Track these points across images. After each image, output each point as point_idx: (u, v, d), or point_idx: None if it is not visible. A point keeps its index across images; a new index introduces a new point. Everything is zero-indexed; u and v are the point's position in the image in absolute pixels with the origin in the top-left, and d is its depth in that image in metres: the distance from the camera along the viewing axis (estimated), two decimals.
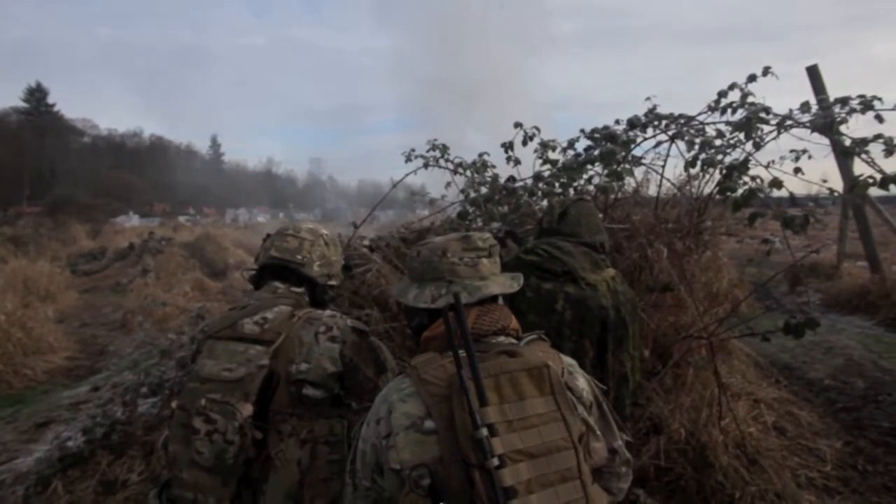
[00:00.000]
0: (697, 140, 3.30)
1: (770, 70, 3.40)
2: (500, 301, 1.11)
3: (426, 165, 3.67)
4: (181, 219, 39.05)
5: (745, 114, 2.79)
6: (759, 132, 2.73)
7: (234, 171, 57.94)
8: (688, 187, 3.81)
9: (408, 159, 3.88)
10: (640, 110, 3.53)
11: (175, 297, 8.25)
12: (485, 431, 0.81)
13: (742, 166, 2.58)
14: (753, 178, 2.61)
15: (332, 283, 1.53)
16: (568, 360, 1.05)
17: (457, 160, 3.61)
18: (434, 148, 3.55)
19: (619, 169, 3.17)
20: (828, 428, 3.40)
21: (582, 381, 1.02)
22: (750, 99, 3.04)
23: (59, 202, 25.08)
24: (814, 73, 6.81)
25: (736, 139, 2.81)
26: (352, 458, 1.00)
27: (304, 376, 1.27)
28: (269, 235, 1.54)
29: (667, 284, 2.79)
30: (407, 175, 3.64)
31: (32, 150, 34.65)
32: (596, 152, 3.42)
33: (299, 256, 1.44)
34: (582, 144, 3.95)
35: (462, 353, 0.87)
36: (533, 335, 1.07)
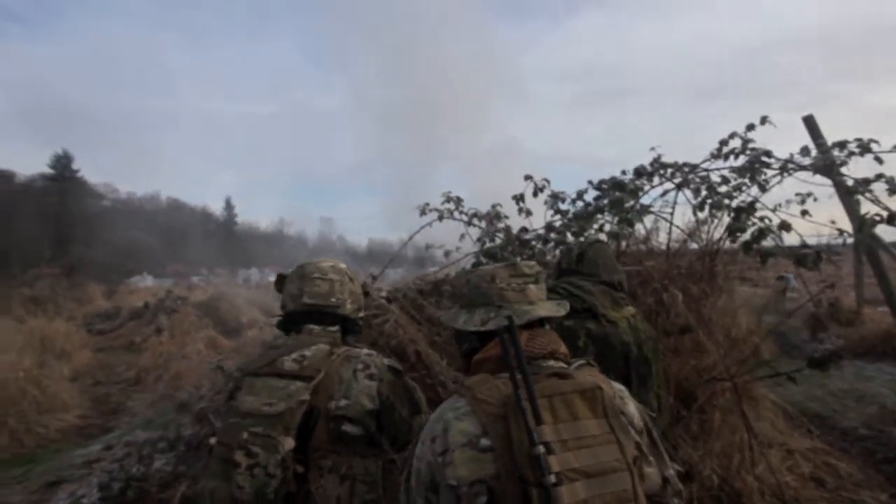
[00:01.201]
0: (703, 186, 3.43)
1: (767, 119, 3.56)
2: (548, 327, 1.15)
3: (441, 218, 3.79)
4: (194, 279, 39.48)
5: (747, 159, 2.89)
6: (762, 175, 2.82)
7: (247, 232, 59.03)
8: (698, 233, 3.88)
9: (422, 213, 4.02)
10: (640, 163, 3.67)
11: (189, 355, 8.26)
12: (542, 448, 0.82)
13: (749, 208, 2.65)
14: (762, 219, 2.68)
15: (361, 314, 1.58)
16: (618, 385, 1.07)
17: (471, 211, 3.73)
18: (448, 200, 3.67)
19: (628, 216, 3.26)
20: (869, 480, 3.25)
21: (632, 407, 1.03)
22: (751, 145, 3.16)
23: (76, 263, 25.61)
24: (810, 123, 7.01)
25: (741, 183, 2.91)
26: (406, 476, 1.02)
27: (344, 412, 1.29)
28: (282, 277, 1.57)
29: (685, 326, 2.79)
30: (422, 228, 3.74)
31: (55, 215, 35.78)
32: (605, 201, 3.54)
33: (333, 299, 1.49)
34: (590, 195, 4.10)
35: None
36: (582, 360, 1.11)
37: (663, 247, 3.70)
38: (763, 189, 2.81)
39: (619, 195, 3.35)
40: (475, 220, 3.71)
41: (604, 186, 3.99)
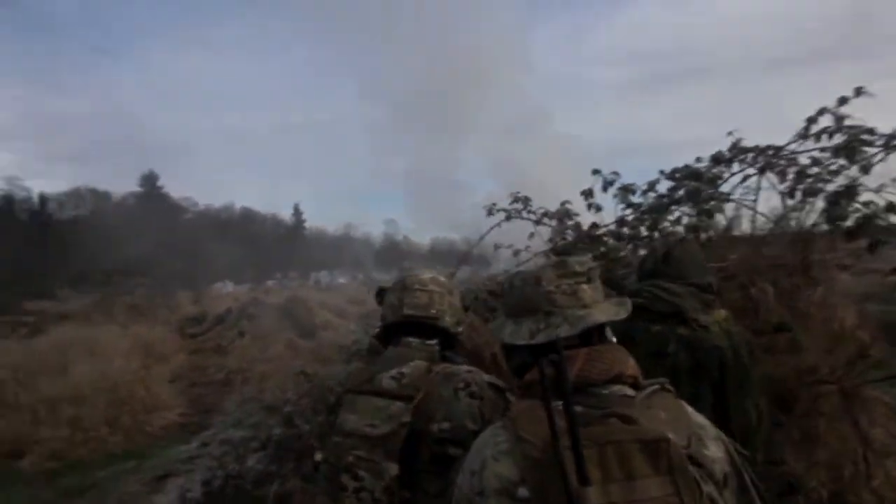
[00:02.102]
0: (791, 171, 3.17)
1: (863, 90, 3.21)
2: (613, 338, 1.02)
3: (508, 217, 3.76)
4: (269, 283, 41.77)
5: (844, 137, 2.63)
6: (862, 155, 2.56)
7: (315, 237, 61.52)
8: (787, 220, 3.60)
9: (489, 213, 4.00)
10: (714, 147, 3.46)
11: (270, 357, 8.74)
12: None
13: (850, 191, 2.42)
14: (866, 204, 2.45)
15: (460, 329, 1.55)
16: (698, 420, 0.91)
17: (540, 210, 3.66)
18: (517, 200, 3.63)
19: (708, 207, 3.09)
20: None
21: (713, 449, 0.86)
22: (847, 122, 2.87)
23: (167, 274, 27.92)
24: None
25: (837, 165, 2.66)
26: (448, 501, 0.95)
27: (447, 435, 1.25)
28: (383, 290, 1.59)
29: (780, 324, 2.60)
30: (491, 229, 3.72)
31: (146, 229, 39.08)
32: (681, 192, 3.36)
33: (433, 311, 1.46)
34: (664, 186, 3.91)
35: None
36: (655, 384, 0.95)
37: (748, 236, 3.46)
38: (865, 171, 2.54)
39: (695, 185, 3.18)
40: (545, 220, 3.63)
41: (678, 176, 3.79)
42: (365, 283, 38.47)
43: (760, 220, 3.44)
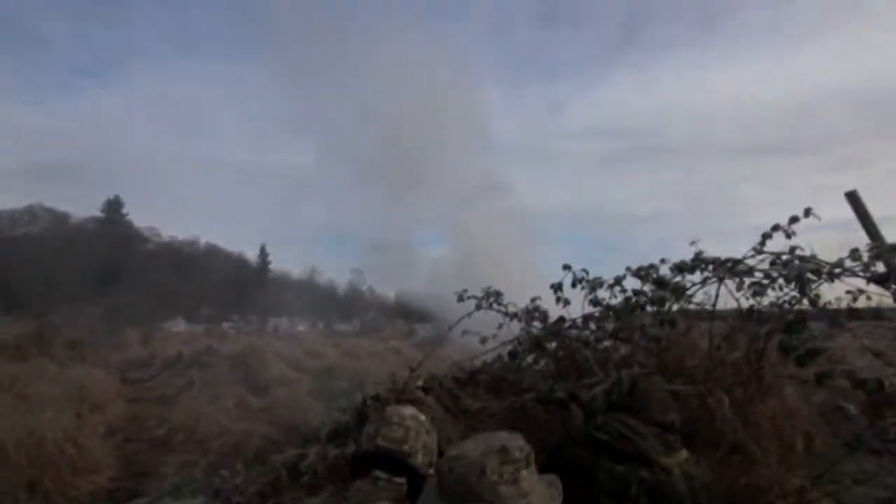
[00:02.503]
0: (747, 281, 3.41)
1: (811, 211, 3.55)
2: None
3: (478, 307, 3.84)
4: (225, 325, 40.17)
5: (794, 270, 2.83)
6: (811, 287, 2.77)
7: (279, 280, 60.24)
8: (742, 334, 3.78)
9: (460, 299, 4.08)
10: (679, 224, 3.68)
11: (218, 413, 8.31)
12: None
13: (799, 325, 2.59)
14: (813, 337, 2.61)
15: (431, 471, 1.56)
16: None
17: (510, 307, 3.77)
18: (488, 295, 3.73)
19: (670, 317, 3.24)
20: None
21: None
22: (794, 241, 3.12)
23: (116, 305, 26.54)
24: (855, 199, 6.81)
25: (791, 297, 2.86)
26: None
27: None
28: (364, 416, 1.60)
29: (735, 444, 2.68)
30: (461, 319, 3.78)
31: (101, 256, 37.45)
32: (646, 297, 3.51)
33: (406, 447, 1.49)
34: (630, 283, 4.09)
35: None
36: None
37: (705, 343, 3.61)
38: (813, 303, 2.74)
39: (661, 294, 3.33)
40: (515, 317, 3.73)
41: (642, 274, 3.99)
42: (325, 334, 37.53)
43: (719, 325, 3.64)
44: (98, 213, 41.64)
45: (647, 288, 3.59)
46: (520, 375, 3.84)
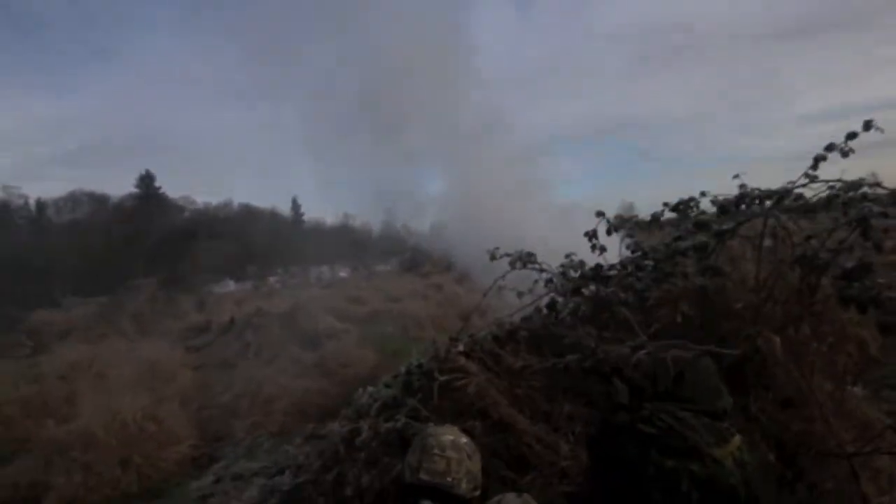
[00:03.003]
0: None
1: (872, 124, 3.19)
2: None
3: (513, 267, 3.76)
4: (271, 279, 41.82)
5: (858, 212, 2.57)
6: (876, 234, 2.52)
7: (314, 230, 61.43)
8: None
9: (492, 258, 4.00)
10: (720, 122, 3.44)
11: (276, 374, 8.79)
12: None
13: (863, 271, 2.40)
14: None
15: (477, 493, 1.59)
16: None
17: (545, 266, 3.68)
18: (521, 257, 3.64)
19: (715, 265, 3.08)
20: None
21: None
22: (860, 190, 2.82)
23: (167, 277, 27.94)
24: None
25: (849, 241, 2.62)
26: None
27: None
28: (408, 442, 1.60)
29: (786, 399, 2.61)
30: (496, 282, 3.72)
31: (144, 230, 38.97)
32: (687, 243, 3.34)
33: (449, 479, 1.51)
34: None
35: None
36: None
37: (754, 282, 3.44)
38: (878, 247, 2.50)
39: (703, 240, 3.15)
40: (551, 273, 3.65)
41: (680, 208, 3.80)
42: (365, 277, 38.50)
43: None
44: (134, 190, 42.81)
45: (688, 230, 3.41)
46: (560, 329, 3.81)
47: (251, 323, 12.35)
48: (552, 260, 3.90)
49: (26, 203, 37.68)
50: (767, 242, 3.33)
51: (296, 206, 63.91)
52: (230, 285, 38.34)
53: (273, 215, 61.61)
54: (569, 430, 3.20)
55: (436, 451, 1.54)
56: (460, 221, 14.41)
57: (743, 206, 3.47)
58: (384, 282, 28.26)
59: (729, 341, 3.16)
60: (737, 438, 1.68)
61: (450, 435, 1.61)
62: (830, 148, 3.26)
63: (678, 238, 3.42)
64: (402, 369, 3.97)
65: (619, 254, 4.03)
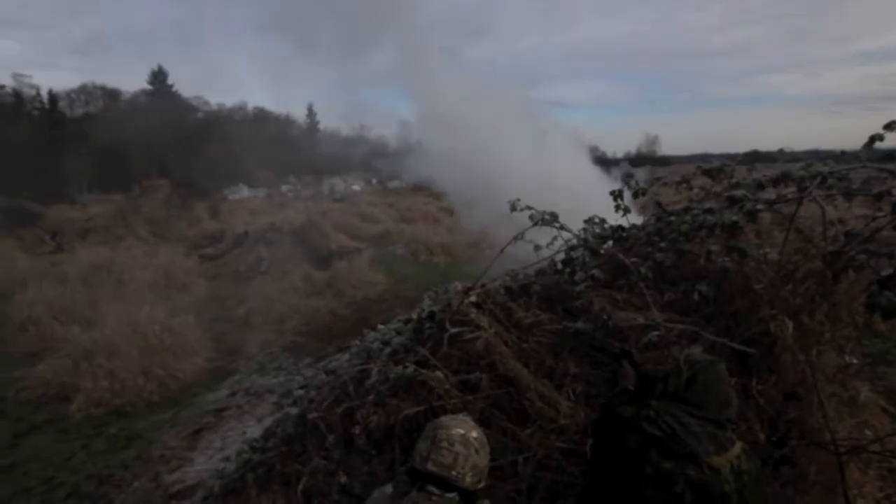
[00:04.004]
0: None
1: None
2: None
3: (535, 224, 3.68)
4: (284, 188, 41.83)
5: None
6: None
7: (329, 139, 60.14)
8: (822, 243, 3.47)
9: (513, 209, 3.91)
10: (761, 55, 3.27)
11: (286, 292, 9.03)
12: None
13: None
14: None
15: (480, 486, 1.65)
16: None
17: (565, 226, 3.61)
18: (543, 218, 3.55)
19: (742, 245, 2.99)
20: None
21: None
22: None
23: (182, 182, 28.02)
24: None
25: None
26: None
27: None
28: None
29: (790, 392, 2.63)
30: (519, 235, 3.65)
31: (156, 128, 38.45)
32: (715, 218, 3.22)
33: (454, 472, 1.56)
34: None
35: None
36: None
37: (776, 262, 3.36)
38: None
39: (734, 219, 3.03)
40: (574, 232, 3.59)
41: (711, 170, 3.67)
42: (378, 192, 38.29)
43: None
44: (146, 86, 41.70)
45: (717, 205, 3.27)
46: (572, 287, 3.79)
47: (265, 238, 12.52)
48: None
49: (38, 94, 36.93)
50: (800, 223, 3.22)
51: (311, 113, 62.14)
52: (244, 191, 38.45)
53: (288, 121, 60.23)
54: (570, 389, 3.29)
55: (444, 444, 1.59)
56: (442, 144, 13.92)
57: (782, 185, 3.32)
58: (397, 199, 28.07)
59: (740, 321, 3.16)
60: (737, 447, 1.71)
61: (461, 429, 1.64)
62: (891, 126, 3.04)
63: (707, 211, 3.29)
64: (414, 316, 4.04)
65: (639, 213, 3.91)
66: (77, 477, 4.40)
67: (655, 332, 2.79)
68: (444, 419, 1.69)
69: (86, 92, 39.48)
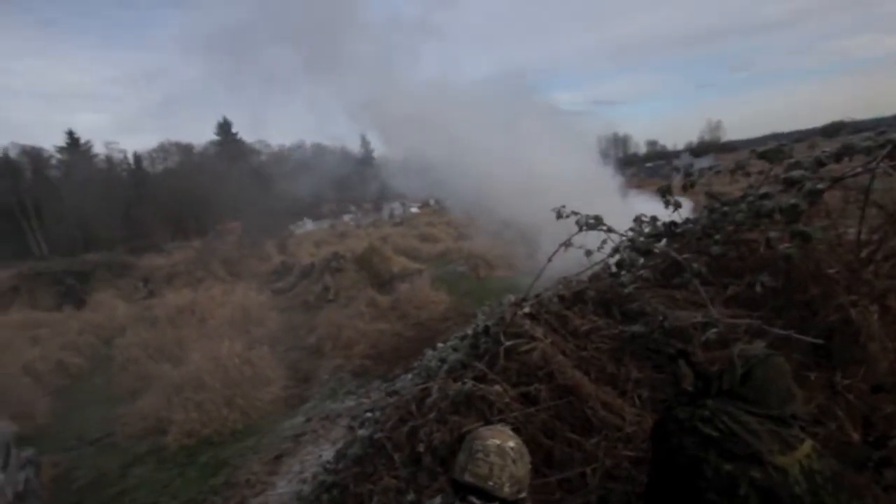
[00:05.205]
0: None
1: None
2: None
3: (581, 229, 3.63)
4: (345, 217, 43.45)
5: None
6: None
7: (384, 166, 61.99)
8: None
9: (559, 216, 3.88)
10: (826, 23, 3.06)
11: (352, 318, 9.34)
12: None
13: None
14: None
15: (522, 496, 1.65)
16: None
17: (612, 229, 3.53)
18: (587, 222, 3.50)
19: (806, 230, 2.80)
20: None
21: None
22: None
23: (251, 222, 29.92)
24: None
25: None
26: None
27: None
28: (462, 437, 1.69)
29: (877, 385, 2.41)
30: (567, 241, 3.60)
31: (225, 175, 41.41)
32: (772, 202, 3.04)
33: (490, 483, 1.59)
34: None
35: None
36: None
37: (852, 243, 3.10)
38: None
39: (792, 202, 2.85)
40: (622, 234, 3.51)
41: (768, 153, 3.47)
42: (437, 212, 38.85)
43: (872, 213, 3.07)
44: (214, 137, 45.24)
45: (775, 189, 3.09)
46: (626, 290, 3.69)
47: (329, 267, 13.05)
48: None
49: (125, 157, 41.13)
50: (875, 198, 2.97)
51: (365, 142, 64.52)
52: (308, 225, 40.35)
53: (344, 153, 62.78)
54: (635, 395, 3.19)
55: (480, 455, 1.61)
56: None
57: (846, 160, 3.10)
58: (455, 217, 28.38)
59: (816, 310, 2.93)
60: (806, 445, 1.58)
61: (496, 439, 1.66)
62: None
63: (764, 196, 3.11)
64: (469, 331, 4.07)
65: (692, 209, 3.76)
66: (176, 502, 4.79)
67: (714, 330, 2.65)
68: (482, 430, 1.72)
69: (163, 149, 43.38)
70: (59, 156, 39.44)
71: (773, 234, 2.90)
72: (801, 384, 1.72)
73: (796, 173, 2.98)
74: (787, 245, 2.79)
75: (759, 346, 1.90)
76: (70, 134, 40.33)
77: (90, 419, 7.27)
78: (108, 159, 40.06)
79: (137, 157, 41.82)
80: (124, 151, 41.58)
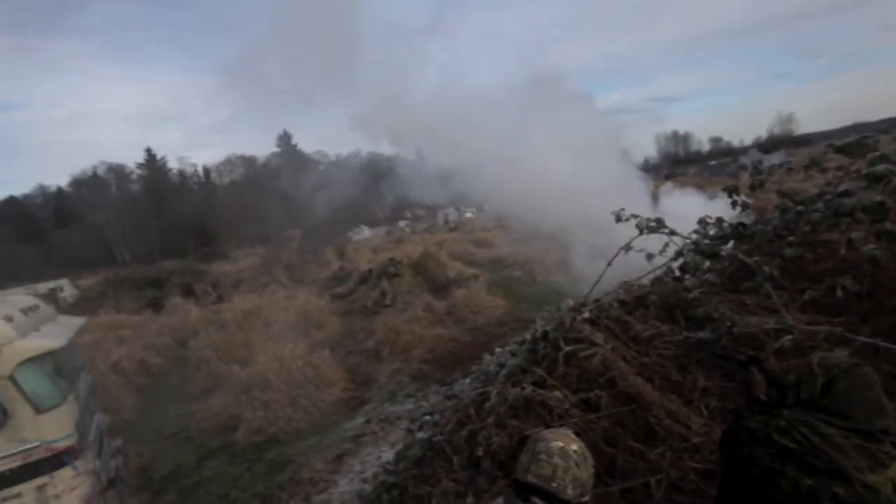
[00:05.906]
0: None
1: None
2: None
3: (641, 232, 3.54)
4: (401, 223, 44.27)
5: None
6: None
7: (437, 171, 62.63)
8: None
9: (618, 219, 3.80)
10: None
11: (410, 322, 9.49)
12: None
13: None
14: None
15: (585, 499, 1.64)
16: None
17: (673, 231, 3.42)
18: (648, 225, 3.41)
19: (894, 229, 2.59)
20: None
21: None
22: None
23: (312, 231, 31.17)
24: None
25: None
26: None
27: None
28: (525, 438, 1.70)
29: None
30: (627, 245, 3.53)
31: (287, 185, 43.33)
32: (853, 200, 2.84)
33: (554, 484, 1.59)
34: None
35: None
36: None
37: None
38: None
39: (878, 199, 2.65)
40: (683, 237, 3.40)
41: (843, 148, 3.25)
42: (490, 216, 38.81)
43: None
44: (276, 149, 47.56)
45: (857, 186, 2.89)
46: (691, 294, 3.56)
47: (386, 272, 13.34)
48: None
49: (196, 170, 44.10)
50: None
51: (418, 150, 65.50)
52: (365, 231, 41.43)
53: (399, 160, 63.98)
54: (702, 404, 3.07)
55: (543, 456, 1.62)
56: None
57: None
58: (510, 221, 28.29)
59: None
60: None
61: (560, 441, 1.65)
62: None
63: (844, 194, 2.91)
64: (528, 336, 4.05)
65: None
66: (245, 495, 5.07)
67: (789, 337, 2.51)
68: (545, 432, 1.72)
69: (230, 162, 46.19)
70: (138, 171, 42.89)
71: (855, 235, 2.71)
72: (893, 397, 1.58)
73: (882, 168, 2.76)
74: (872, 246, 2.60)
75: (841, 355, 1.78)
76: (148, 150, 43.86)
77: (168, 415, 7.83)
78: (181, 173, 43.09)
79: (206, 170, 44.71)
80: (195, 165, 44.67)
